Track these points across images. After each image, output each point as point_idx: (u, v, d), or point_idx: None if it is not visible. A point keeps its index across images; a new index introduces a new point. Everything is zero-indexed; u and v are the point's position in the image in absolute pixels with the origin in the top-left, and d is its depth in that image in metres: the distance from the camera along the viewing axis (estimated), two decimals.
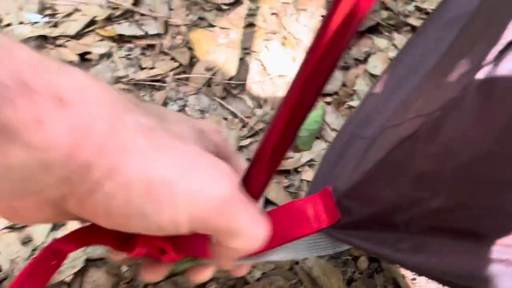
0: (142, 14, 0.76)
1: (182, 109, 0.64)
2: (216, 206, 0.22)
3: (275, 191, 0.58)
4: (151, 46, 0.73)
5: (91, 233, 0.30)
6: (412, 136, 0.35)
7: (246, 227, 0.24)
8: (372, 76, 0.72)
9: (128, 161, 0.20)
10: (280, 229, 0.46)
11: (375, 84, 0.53)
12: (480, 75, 0.27)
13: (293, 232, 0.45)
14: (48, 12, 0.74)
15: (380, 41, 0.77)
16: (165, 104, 0.65)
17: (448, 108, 0.31)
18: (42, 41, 0.69)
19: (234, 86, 0.69)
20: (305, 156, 0.61)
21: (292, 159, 0.60)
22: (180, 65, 0.70)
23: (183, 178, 0.21)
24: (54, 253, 0.32)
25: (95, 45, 0.70)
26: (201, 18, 0.78)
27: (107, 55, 0.69)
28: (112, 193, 0.20)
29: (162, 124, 0.24)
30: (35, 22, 0.71)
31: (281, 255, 0.47)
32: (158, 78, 0.68)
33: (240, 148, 0.60)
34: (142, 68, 0.69)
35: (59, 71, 0.19)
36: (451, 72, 0.33)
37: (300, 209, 0.46)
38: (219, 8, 0.80)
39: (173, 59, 0.71)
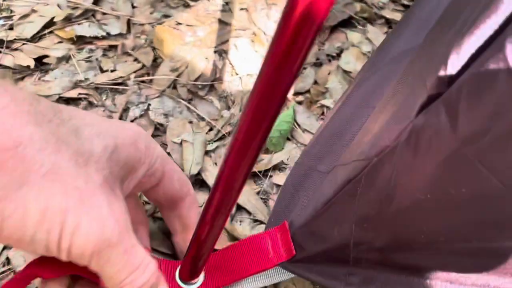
0: (104, 13, 0.73)
1: (145, 113, 0.61)
2: (92, 246, 0.23)
3: (245, 196, 0.55)
4: (113, 47, 0.69)
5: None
6: (354, 180, 0.35)
7: (117, 273, 0.25)
8: (345, 72, 0.69)
9: (26, 183, 0.20)
10: (243, 263, 0.44)
11: (330, 113, 0.52)
12: (409, 125, 0.28)
13: (254, 267, 0.43)
14: (4, 14, 0.70)
15: (354, 35, 0.75)
16: (126, 109, 0.61)
17: (384, 155, 0.31)
18: None
19: (201, 87, 0.66)
20: (276, 158, 0.58)
21: (263, 161, 0.57)
22: (143, 66, 0.67)
23: (73, 211, 0.22)
24: (29, 278, 0.32)
25: (53, 48, 0.66)
26: (166, 16, 0.75)
27: (66, 58, 0.66)
28: (7, 213, 0.20)
29: (73, 141, 0.23)
30: None
31: (247, 285, 0.45)
32: (119, 81, 0.64)
33: (207, 152, 0.57)
34: (103, 71, 0.65)
35: None
36: (389, 118, 0.34)
37: (261, 243, 0.44)
38: (185, 4, 0.76)
39: (136, 60, 0.68)
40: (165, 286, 0.35)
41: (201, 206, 0.52)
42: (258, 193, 0.56)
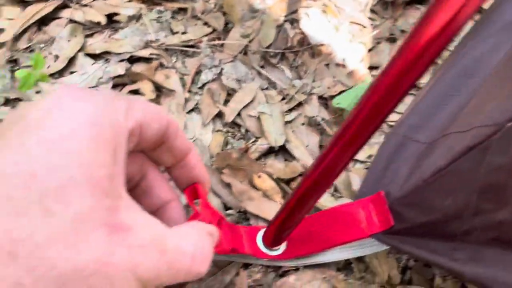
0: None
1: (217, 77, 0.59)
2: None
3: None
4: (182, 10, 0.67)
5: None
6: (479, 146, 0.32)
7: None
8: None
9: None
10: (330, 232, 0.42)
11: (425, 86, 0.49)
12: None
13: (344, 236, 0.42)
14: None
15: None
16: (198, 72, 0.59)
17: None
18: (66, 0, 0.64)
19: (272, 55, 0.63)
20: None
21: None
22: (214, 30, 0.65)
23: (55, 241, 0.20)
24: None
25: (124, 6, 0.64)
26: None
27: (136, 18, 0.64)
28: None
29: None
30: None
31: (328, 256, 0.44)
32: (191, 43, 0.62)
33: (286, 123, 0.55)
34: (174, 33, 0.64)
35: None
36: None
37: (352, 213, 0.42)
38: None
39: (206, 24, 0.65)
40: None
41: (284, 177, 0.50)
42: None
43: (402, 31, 0.69)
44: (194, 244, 0.27)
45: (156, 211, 0.36)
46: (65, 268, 0.20)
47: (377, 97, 0.25)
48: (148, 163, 0.36)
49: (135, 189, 0.37)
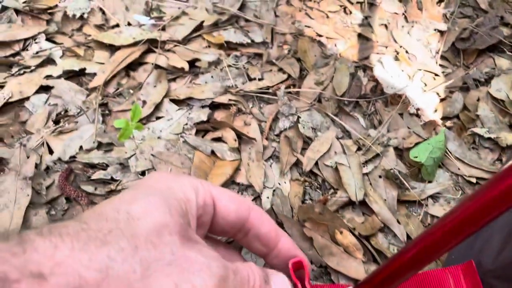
0: (247, 20, 0.73)
1: (294, 125, 0.61)
2: None
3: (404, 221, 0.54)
4: (257, 55, 0.70)
5: None
6: None
7: None
8: (495, 100, 0.66)
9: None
10: None
11: None
12: None
13: None
14: (155, 14, 0.72)
15: (502, 61, 0.71)
16: (276, 118, 0.61)
17: None
18: (150, 44, 0.67)
19: (346, 103, 0.65)
20: (430, 188, 0.56)
21: (415, 190, 0.56)
22: (289, 76, 0.67)
23: None
24: None
25: (204, 52, 0.67)
26: (307, 26, 0.74)
27: (215, 63, 0.67)
28: None
29: None
30: (143, 24, 0.70)
31: None
32: (268, 90, 0.65)
33: (364, 175, 0.56)
34: (251, 79, 0.66)
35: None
36: None
37: (441, 280, 0.42)
38: (325, 16, 0.76)
39: (281, 70, 0.68)
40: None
41: (365, 233, 0.51)
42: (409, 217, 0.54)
43: (475, 80, 0.69)
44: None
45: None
46: (146, 254, 0.24)
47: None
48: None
49: None
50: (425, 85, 0.68)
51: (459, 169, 0.59)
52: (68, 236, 0.23)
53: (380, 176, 0.57)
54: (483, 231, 0.43)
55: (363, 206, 0.54)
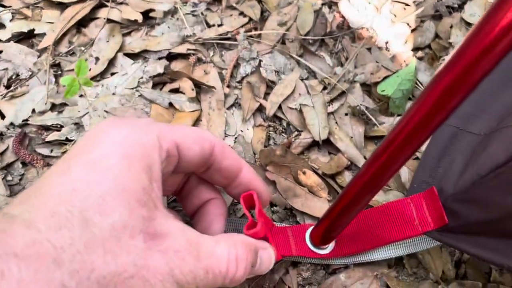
0: None
1: (256, 70, 0.58)
2: None
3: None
4: (217, 1, 0.66)
5: None
6: None
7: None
8: (469, 25, 0.62)
9: None
10: (381, 230, 0.41)
11: None
12: None
13: (395, 234, 0.40)
14: None
15: None
16: (237, 65, 0.59)
17: None
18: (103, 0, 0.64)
19: (311, 42, 0.61)
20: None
21: (384, 125, 0.53)
22: (250, 20, 0.63)
23: None
24: None
25: (158, 2, 0.64)
26: None
27: (172, 12, 0.64)
28: None
29: None
30: None
31: (379, 254, 0.42)
32: (227, 36, 0.61)
33: (329, 115, 0.54)
34: (210, 26, 0.63)
35: None
36: None
37: (403, 210, 0.41)
38: None
39: (242, 13, 0.64)
40: (266, 250, 0.34)
41: (330, 172, 0.49)
42: None
43: (448, 7, 0.65)
44: (227, 250, 0.29)
45: (199, 210, 0.37)
46: (104, 271, 0.21)
47: (442, 89, 0.23)
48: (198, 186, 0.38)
49: (180, 192, 0.38)
50: (395, 16, 0.64)
51: None
52: (16, 258, 0.19)
53: (346, 114, 0.54)
54: (446, 157, 0.41)
55: (329, 145, 0.52)
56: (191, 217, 0.39)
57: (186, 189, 0.38)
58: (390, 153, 0.28)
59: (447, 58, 0.57)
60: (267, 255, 0.33)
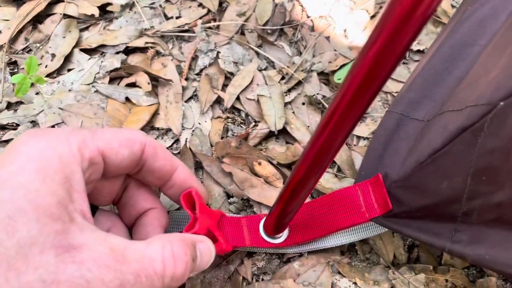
0: None
1: (214, 61, 0.58)
2: None
3: None
4: None
5: None
6: (472, 127, 0.31)
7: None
8: None
9: None
10: (332, 217, 0.42)
11: (423, 57, 0.46)
12: None
13: (345, 221, 0.41)
14: None
15: None
16: (195, 57, 0.58)
17: None
18: None
19: (270, 32, 0.61)
20: None
21: None
22: (209, 11, 0.63)
23: None
24: None
25: None
26: None
27: (129, 6, 0.63)
28: None
29: None
30: None
31: (331, 241, 0.43)
32: (185, 28, 0.61)
33: (285, 104, 0.54)
34: (168, 18, 0.62)
35: None
36: None
37: (351, 197, 0.41)
38: None
39: (201, 5, 0.64)
40: (203, 242, 0.33)
41: (285, 161, 0.50)
42: None
43: None
44: (161, 248, 0.27)
45: (137, 220, 0.37)
46: None
47: (368, 65, 0.23)
48: (131, 178, 0.37)
49: (119, 202, 0.38)
50: (354, 3, 0.64)
51: (387, 86, 0.56)
52: None
53: (303, 103, 0.55)
54: (392, 144, 0.42)
55: (286, 135, 0.53)
56: (130, 228, 0.38)
57: (124, 198, 0.37)
58: (329, 130, 0.27)
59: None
60: (206, 248, 0.33)
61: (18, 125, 0.52)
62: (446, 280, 0.43)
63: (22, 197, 0.23)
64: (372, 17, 0.63)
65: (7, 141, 0.51)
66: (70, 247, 0.23)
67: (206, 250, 0.33)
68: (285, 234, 0.43)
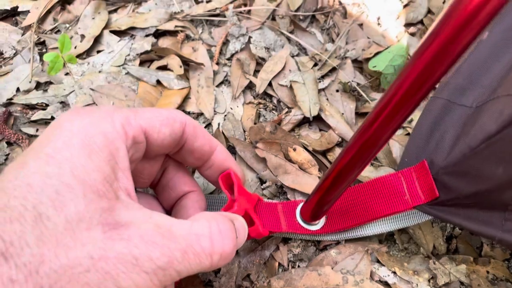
0: None
1: (245, 46, 0.57)
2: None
3: None
4: None
5: None
6: None
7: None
8: None
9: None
10: (372, 205, 0.41)
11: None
12: None
13: (386, 209, 0.40)
14: None
15: None
16: (226, 42, 0.57)
17: None
18: None
19: (302, 19, 0.60)
20: None
21: (376, 100, 0.52)
22: None
23: None
24: None
25: None
26: None
27: None
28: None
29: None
30: None
31: (370, 230, 0.42)
32: (216, 12, 0.60)
33: (320, 91, 0.53)
34: (198, 2, 0.61)
35: None
36: None
37: (394, 184, 0.40)
38: None
39: None
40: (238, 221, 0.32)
41: (320, 148, 0.49)
42: None
43: None
44: (208, 224, 0.27)
45: (176, 203, 0.36)
46: (55, 264, 0.20)
47: (424, 64, 0.23)
48: (170, 160, 0.36)
49: (157, 184, 0.37)
50: None
51: None
52: None
53: (337, 90, 0.54)
54: (437, 131, 0.40)
55: (320, 122, 0.51)
56: (168, 212, 0.37)
57: (162, 181, 0.37)
58: (378, 125, 0.27)
59: (431, 28, 0.57)
60: (241, 225, 0.32)
61: (47, 105, 0.51)
62: (487, 272, 0.42)
63: (69, 172, 0.23)
64: (405, 6, 0.62)
65: (36, 121, 0.50)
66: (116, 224, 0.23)
67: (242, 228, 0.32)
68: (322, 221, 0.42)
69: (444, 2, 0.61)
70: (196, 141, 0.34)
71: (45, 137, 0.25)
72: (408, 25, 0.60)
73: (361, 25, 0.60)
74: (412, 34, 0.59)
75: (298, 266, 0.42)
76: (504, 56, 0.40)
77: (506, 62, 0.39)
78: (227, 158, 0.37)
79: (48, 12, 0.59)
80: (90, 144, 0.25)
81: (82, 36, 0.56)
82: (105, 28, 0.57)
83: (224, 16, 0.60)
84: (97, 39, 0.56)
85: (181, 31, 0.58)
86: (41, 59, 0.55)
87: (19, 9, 0.59)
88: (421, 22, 0.60)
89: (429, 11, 0.61)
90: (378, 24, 0.60)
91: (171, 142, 0.32)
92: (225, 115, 0.52)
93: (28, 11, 0.59)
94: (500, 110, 0.34)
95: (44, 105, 0.51)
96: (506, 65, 0.39)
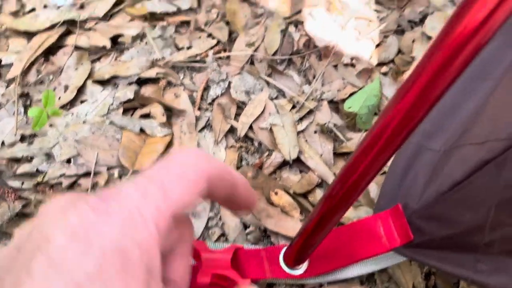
0: None
1: (226, 92, 0.59)
2: None
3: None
4: (185, 23, 0.67)
5: None
6: (496, 161, 0.32)
7: None
8: (431, 39, 0.65)
9: None
10: (351, 248, 0.42)
11: None
12: None
13: (365, 252, 0.41)
14: None
15: None
16: (207, 87, 0.59)
17: None
18: (70, 26, 0.64)
19: (279, 62, 0.63)
20: None
21: (352, 140, 0.55)
22: (219, 42, 0.64)
23: None
24: None
25: (127, 26, 0.64)
26: None
27: (140, 37, 0.64)
28: None
29: None
30: (60, 6, 0.66)
31: (351, 272, 0.44)
32: (197, 58, 0.62)
33: (299, 133, 0.55)
34: (179, 49, 0.63)
35: None
36: None
37: (371, 228, 0.42)
38: None
39: (210, 35, 0.65)
40: None
41: (301, 190, 0.50)
42: None
43: (410, 22, 0.67)
44: None
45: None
46: None
47: (407, 106, 0.24)
48: (178, 241, 0.30)
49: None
50: (359, 33, 0.66)
51: None
52: None
53: (315, 132, 0.56)
54: (410, 173, 0.42)
55: (300, 164, 0.53)
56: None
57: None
58: (358, 170, 0.28)
59: (407, 74, 0.59)
60: None
61: (32, 158, 0.52)
62: None
63: None
64: (377, 46, 0.65)
65: (21, 175, 0.51)
66: None
67: None
68: (305, 265, 0.43)
69: (413, 42, 0.64)
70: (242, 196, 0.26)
71: (65, 248, 0.19)
72: (380, 64, 0.63)
73: (336, 66, 0.62)
74: (385, 74, 0.62)
75: None
76: (467, 103, 0.42)
77: (468, 110, 0.41)
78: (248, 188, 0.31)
79: (32, 64, 0.60)
80: (125, 267, 0.19)
81: (66, 87, 0.58)
82: (88, 78, 0.59)
83: (205, 62, 0.62)
84: (81, 90, 0.58)
85: (163, 77, 0.60)
86: (25, 112, 0.56)
87: (2, 62, 0.60)
88: (393, 61, 0.63)
89: (400, 51, 0.64)
90: (352, 65, 0.63)
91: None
92: None
93: (11, 64, 0.60)
94: (464, 157, 0.36)
95: (29, 158, 0.52)
96: (471, 111, 0.41)
